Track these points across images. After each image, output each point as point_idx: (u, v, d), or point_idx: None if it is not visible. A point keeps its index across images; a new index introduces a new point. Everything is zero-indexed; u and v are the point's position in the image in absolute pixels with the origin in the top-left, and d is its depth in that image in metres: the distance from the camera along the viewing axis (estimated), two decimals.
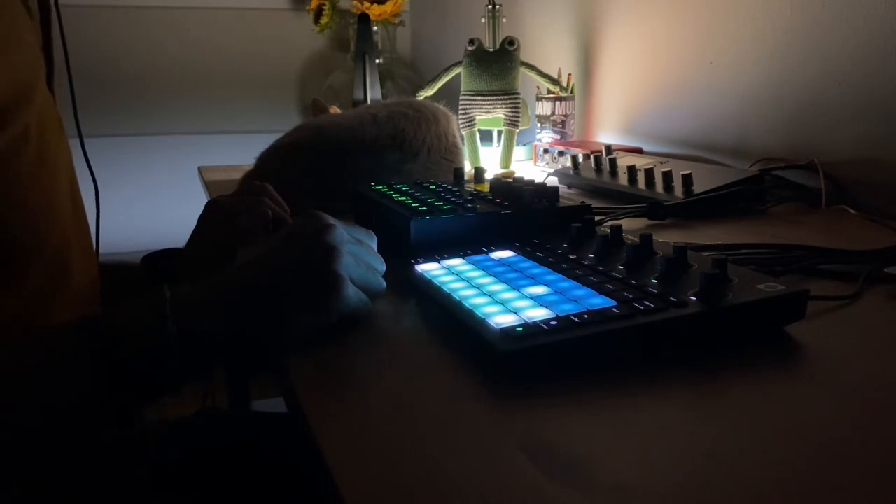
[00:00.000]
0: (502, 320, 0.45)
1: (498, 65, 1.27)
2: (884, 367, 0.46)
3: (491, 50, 1.28)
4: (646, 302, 0.46)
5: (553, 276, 0.53)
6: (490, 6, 1.37)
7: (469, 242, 0.63)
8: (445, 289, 0.52)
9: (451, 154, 0.99)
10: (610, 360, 0.44)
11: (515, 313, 0.46)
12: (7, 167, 0.52)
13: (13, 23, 0.55)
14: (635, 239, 0.57)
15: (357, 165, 0.91)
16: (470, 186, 0.81)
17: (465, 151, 1.22)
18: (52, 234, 0.57)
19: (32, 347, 0.49)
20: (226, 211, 0.80)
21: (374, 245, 0.57)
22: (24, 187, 0.54)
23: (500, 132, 1.33)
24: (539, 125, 1.47)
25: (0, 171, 0.52)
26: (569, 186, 1.12)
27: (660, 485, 0.33)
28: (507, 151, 1.29)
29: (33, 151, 0.55)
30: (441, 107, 1.02)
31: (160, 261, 0.84)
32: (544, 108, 1.46)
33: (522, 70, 1.30)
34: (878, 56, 0.91)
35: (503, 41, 1.28)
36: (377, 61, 1.76)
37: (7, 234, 0.53)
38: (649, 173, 0.96)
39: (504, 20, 1.40)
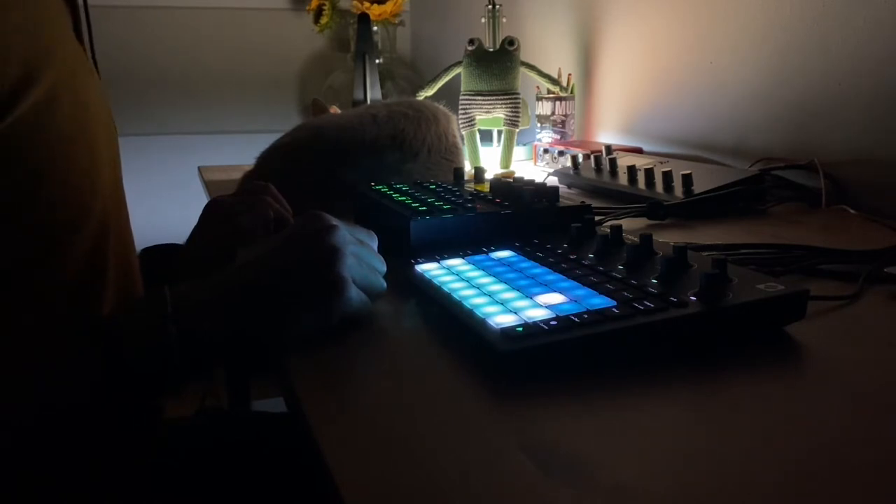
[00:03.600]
0: (502, 320, 0.45)
1: (498, 65, 1.27)
2: (884, 367, 0.46)
3: (491, 50, 1.28)
4: (646, 302, 0.46)
5: (553, 276, 0.53)
6: (490, 6, 1.37)
7: (469, 242, 0.63)
8: (445, 289, 0.52)
9: (451, 154, 0.99)
10: (610, 360, 0.44)
11: (515, 313, 0.46)
12: (38, 134, 0.49)
13: None
14: (635, 239, 0.57)
15: (357, 165, 0.91)
16: (470, 186, 0.81)
17: (465, 151, 1.22)
18: (95, 205, 0.54)
19: (33, 348, 0.48)
20: (226, 211, 0.80)
21: (375, 245, 0.57)
22: (59, 158, 0.50)
23: (500, 132, 1.33)
24: (539, 125, 1.47)
25: (30, 141, 0.48)
26: (569, 186, 1.12)
27: (660, 485, 0.33)
28: (507, 151, 1.29)
29: (66, 113, 0.51)
30: (441, 107, 1.02)
31: (159, 256, 0.83)
32: (544, 108, 1.46)
33: (522, 70, 1.30)
34: (878, 56, 0.91)
35: (503, 41, 1.28)
36: (377, 61, 1.76)
37: (52, 208, 0.50)
38: (649, 173, 0.96)
39: (504, 20, 1.40)
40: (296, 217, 0.72)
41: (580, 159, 1.13)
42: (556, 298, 0.49)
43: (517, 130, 1.30)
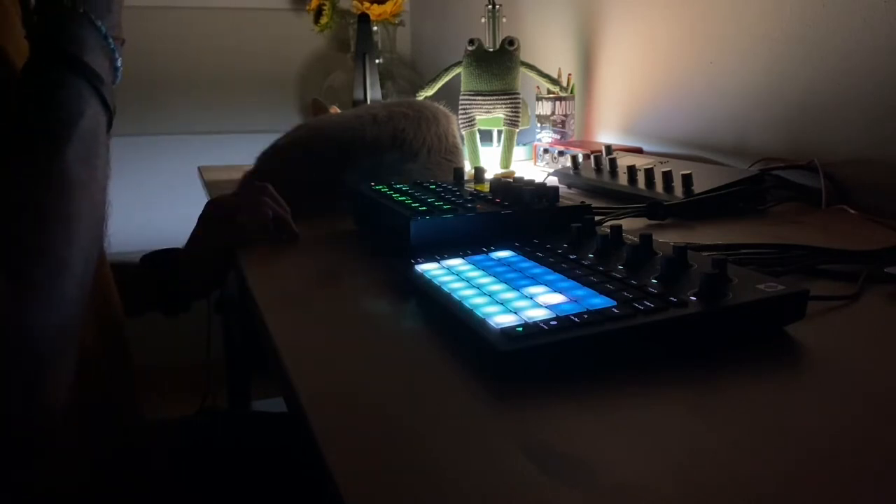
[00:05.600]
0: (502, 320, 0.45)
1: (498, 65, 1.27)
2: (884, 367, 0.46)
3: (491, 50, 1.28)
4: (646, 302, 0.46)
5: (553, 276, 0.53)
6: (490, 6, 1.37)
7: (469, 242, 0.63)
8: (445, 289, 0.52)
9: (451, 154, 0.99)
10: (610, 360, 0.44)
11: (515, 313, 0.46)
12: None
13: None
14: (635, 239, 0.57)
15: (357, 165, 0.91)
16: (470, 186, 0.81)
17: (465, 151, 1.22)
18: None
19: None
20: (226, 211, 0.80)
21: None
22: None
23: (500, 132, 1.33)
24: (539, 125, 1.47)
25: None
26: (569, 186, 1.12)
27: (660, 484, 0.33)
28: (507, 151, 1.29)
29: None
30: (441, 107, 1.02)
31: (160, 261, 0.84)
32: (544, 108, 1.46)
33: (522, 70, 1.30)
34: (878, 56, 0.91)
35: (503, 41, 1.28)
36: (377, 61, 1.76)
37: None
38: (649, 173, 0.96)
39: (504, 20, 1.39)
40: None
41: (580, 159, 1.13)
42: (556, 298, 0.49)
43: (517, 130, 1.30)
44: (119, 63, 0.55)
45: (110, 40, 0.54)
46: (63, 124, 0.49)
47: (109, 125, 0.54)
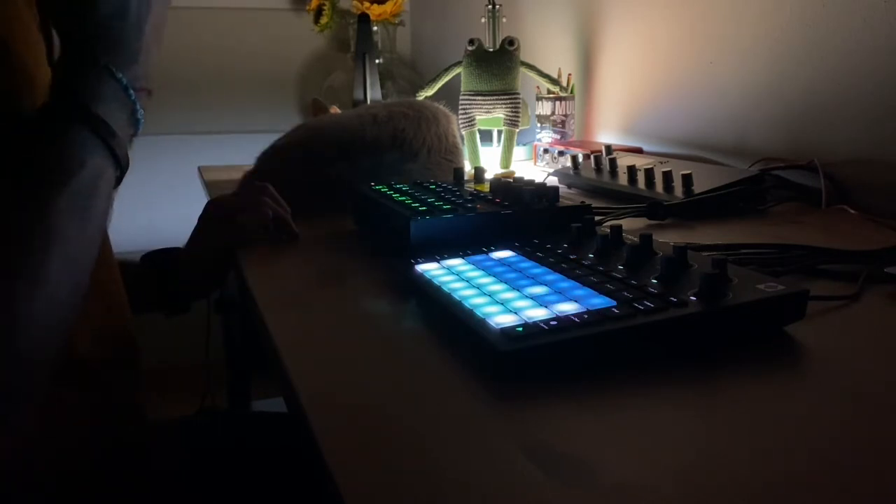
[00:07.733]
0: (502, 320, 0.45)
1: (498, 65, 1.27)
2: (884, 367, 0.46)
3: (491, 50, 1.28)
4: (646, 302, 0.46)
5: (553, 276, 0.53)
6: (490, 6, 1.37)
7: (469, 242, 0.63)
8: (445, 289, 0.52)
9: (451, 154, 0.99)
10: (610, 360, 0.44)
11: (515, 313, 0.46)
12: None
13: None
14: (635, 239, 0.57)
15: (357, 165, 0.91)
16: (470, 186, 0.81)
17: (465, 151, 1.22)
18: None
19: None
20: (226, 211, 0.80)
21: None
22: None
23: (500, 132, 1.33)
24: (539, 125, 1.47)
25: None
26: (569, 186, 1.12)
27: (660, 484, 0.33)
28: (507, 151, 1.29)
29: None
30: (441, 107, 1.02)
31: (160, 260, 0.84)
32: (544, 108, 1.46)
33: (522, 70, 1.30)
34: (878, 56, 0.91)
35: (503, 41, 1.28)
36: (377, 61, 1.76)
37: None
38: (649, 173, 0.96)
39: (504, 20, 1.39)
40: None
41: (580, 159, 1.13)
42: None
43: (517, 130, 1.30)
44: (140, 115, 0.54)
45: (131, 92, 0.53)
46: (56, 174, 0.47)
47: (119, 180, 0.52)
